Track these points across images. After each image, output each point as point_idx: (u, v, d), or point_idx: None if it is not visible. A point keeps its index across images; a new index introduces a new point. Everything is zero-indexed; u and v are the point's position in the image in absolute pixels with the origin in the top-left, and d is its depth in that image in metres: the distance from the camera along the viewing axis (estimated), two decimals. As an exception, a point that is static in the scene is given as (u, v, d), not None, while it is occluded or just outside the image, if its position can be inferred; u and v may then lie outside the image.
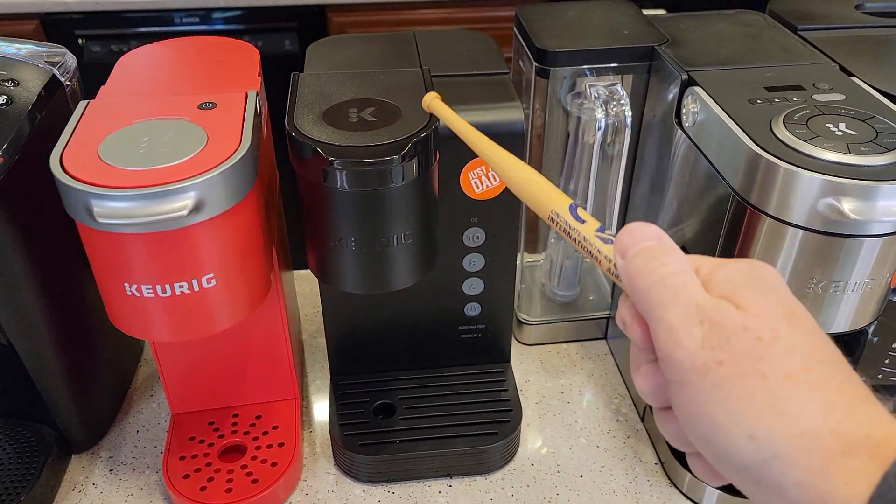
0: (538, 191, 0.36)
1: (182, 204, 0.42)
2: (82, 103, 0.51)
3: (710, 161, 0.53)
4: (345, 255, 0.51)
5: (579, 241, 0.34)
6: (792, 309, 0.29)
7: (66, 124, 0.49)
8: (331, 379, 0.69)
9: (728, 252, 0.52)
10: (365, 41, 0.66)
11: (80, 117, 0.49)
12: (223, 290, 0.48)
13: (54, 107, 0.56)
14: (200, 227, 0.45)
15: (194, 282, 0.46)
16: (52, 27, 1.71)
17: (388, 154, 0.46)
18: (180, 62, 0.60)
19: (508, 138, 0.56)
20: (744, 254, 0.50)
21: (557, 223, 0.35)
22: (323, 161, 0.46)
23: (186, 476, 0.61)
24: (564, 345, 0.78)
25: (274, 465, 0.62)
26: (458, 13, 1.84)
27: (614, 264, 0.33)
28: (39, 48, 0.61)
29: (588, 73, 0.63)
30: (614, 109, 0.60)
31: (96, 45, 1.76)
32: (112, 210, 0.42)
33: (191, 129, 0.47)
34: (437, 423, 0.64)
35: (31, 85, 0.55)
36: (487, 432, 0.64)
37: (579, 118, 0.66)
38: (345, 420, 0.64)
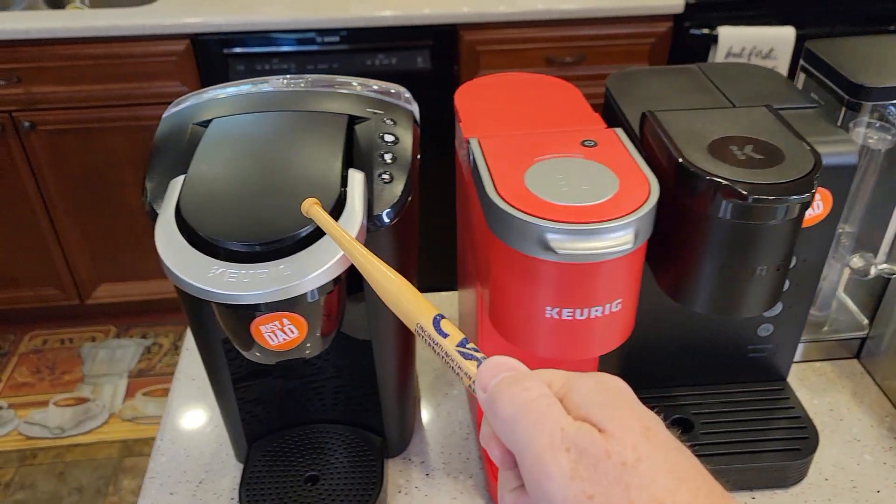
0: (405, 301, 0.36)
1: (627, 237, 0.47)
2: (473, 141, 0.56)
3: None
4: (711, 281, 0.55)
5: (442, 356, 0.34)
6: (646, 423, 0.29)
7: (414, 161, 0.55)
8: (617, 393, 0.73)
9: None
10: (657, 75, 0.70)
11: (484, 155, 0.54)
12: (622, 315, 0.53)
13: (416, 145, 0.61)
14: (626, 258, 0.49)
15: (607, 306, 0.51)
16: (201, 47, 1.80)
17: (796, 193, 0.49)
18: (519, 99, 0.65)
19: (838, 171, 0.60)
20: None
21: (423, 337, 0.35)
22: (731, 194, 0.50)
23: (513, 482, 0.65)
24: (818, 363, 0.81)
25: (592, 473, 0.66)
26: (582, 30, 1.88)
27: (473, 382, 0.32)
28: (381, 87, 0.66)
29: (892, 106, 0.66)
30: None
31: (241, 64, 1.84)
32: (569, 243, 0.47)
33: (594, 167, 0.52)
34: (737, 439, 0.68)
35: (405, 125, 0.60)
36: (789, 448, 0.67)
37: (867, 147, 0.70)
38: (649, 433, 0.68)
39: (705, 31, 1.89)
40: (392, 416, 0.68)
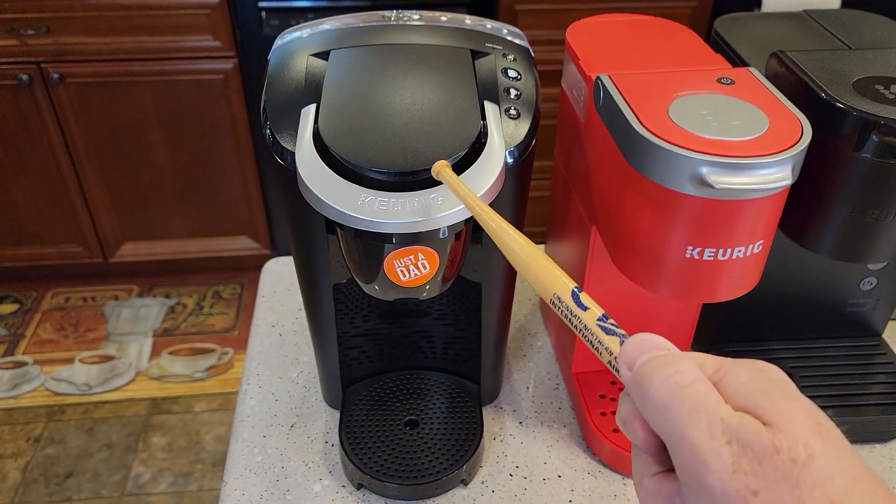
0: (541, 270, 0.35)
1: (786, 173, 0.45)
2: (604, 77, 0.54)
3: None
4: (843, 225, 0.54)
5: (580, 329, 0.33)
6: (816, 418, 0.27)
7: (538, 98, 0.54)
8: (711, 347, 0.72)
9: None
10: (766, 20, 0.68)
11: (620, 91, 0.52)
12: (759, 258, 0.51)
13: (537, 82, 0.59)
14: (774, 197, 0.48)
15: (750, 247, 0.49)
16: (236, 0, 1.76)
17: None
18: (635, 38, 0.62)
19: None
20: None
21: (559, 307, 0.34)
22: (886, 132, 0.48)
23: (615, 430, 0.64)
24: (903, 321, 0.80)
25: (693, 424, 0.65)
26: (625, -8, 1.85)
27: (615, 358, 0.31)
28: (480, 22, 0.64)
29: None
30: None
31: (276, 18, 1.80)
32: (726, 177, 0.45)
33: (739, 103, 0.50)
34: (837, 392, 0.67)
35: (526, 62, 0.58)
36: (890, 402, 0.66)
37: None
38: (748, 385, 0.67)
39: (748, -5, 1.85)
40: (489, 363, 0.67)
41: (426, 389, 0.67)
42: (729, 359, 0.30)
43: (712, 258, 0.49)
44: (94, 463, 1.71)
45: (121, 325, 2.08)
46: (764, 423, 0.27)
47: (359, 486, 0.61)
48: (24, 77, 1.76)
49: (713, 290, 0.52)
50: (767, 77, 0.58)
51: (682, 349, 0.71)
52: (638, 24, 0.65)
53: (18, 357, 1.97)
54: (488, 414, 0.69)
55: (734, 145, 0.46)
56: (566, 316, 0.34)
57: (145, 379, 1.93)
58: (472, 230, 0.53)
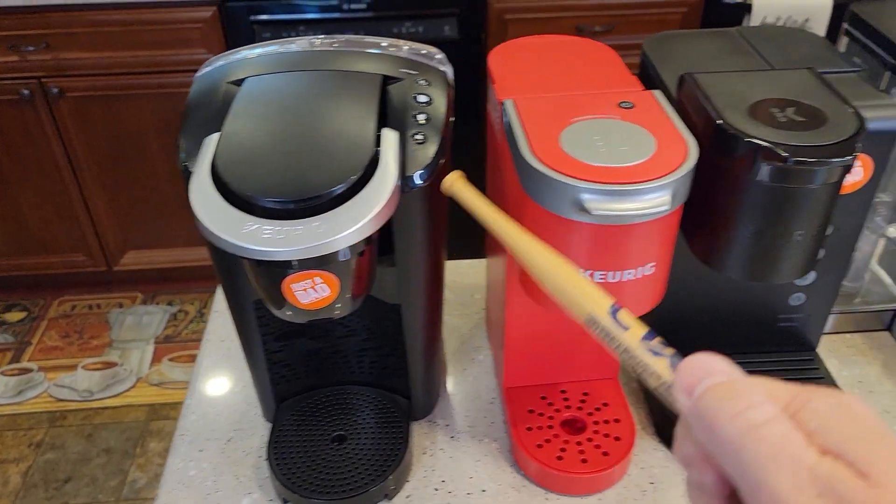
0: (573, 288, 0.32)
1: (665, 199, 0.46)
2: (508, 102, 0.55)
3: None
4: (746, 246, 0.54)
5: (619, 352, 0.30)
6: None
7: (448, 122, 0.55)
8: (645, 361, 0.72)
9: None
10: (695, 38, 0.69)
11: (520, 116, 0.53)
12: (653, 279, 0.52)
13: (450, 107, 0.60)
14: (660, 220, 0.48)
15: (640, 269, 0.50)
16: (227, 13, 1.79)
17: (837, 155, 0.48)
18: (555, 60, 0.64)
19: (880, 137, 0.58)
20: None
21: (594, 328, 0.31)
22: (771, 157, 0.49)
23: (539, 446, 0.65)
24: (848, 335, 0.80)
25: (618, 439, 0.66)
26: (614, -1, 1.85)
27: (664, 384, 0.28)
28: (413, 48, 0.66)
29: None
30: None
31: (267, 31, 1.83)
32: (604, 203, 0.46)
33: (631, 128, 0.51)
34: (766, 407, 0.67)
35: (438, 86, 0.59)
36: (819, 418, 0.66)
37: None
38: (676, 401, 0.68)
39: None
40: (418, 379, 0.68)
41: (357, 405, 0.69)
42: (803, 387, 0.27)
43: (603, 280, 0.50)
44: (93, 468, 1.75)
45: (124, 332, 2.13)
46: (858, 474, 0.24)
47: (284, 502, 0.63)
48: (26, 92, 1.81)
49: (612, 311, 0.53)
50: (678, 99, 0.59)
51: (610, 371, 0.71)
52: (562, 46, 0.66)
53: (24, 364, 2.02)
54: (421, 428, 0.71)
55: (616, 171, 0.47)
56: (602, 338, 0.30)
57: (145, 385, 1.97)
58: (377, 248, 0.54)
